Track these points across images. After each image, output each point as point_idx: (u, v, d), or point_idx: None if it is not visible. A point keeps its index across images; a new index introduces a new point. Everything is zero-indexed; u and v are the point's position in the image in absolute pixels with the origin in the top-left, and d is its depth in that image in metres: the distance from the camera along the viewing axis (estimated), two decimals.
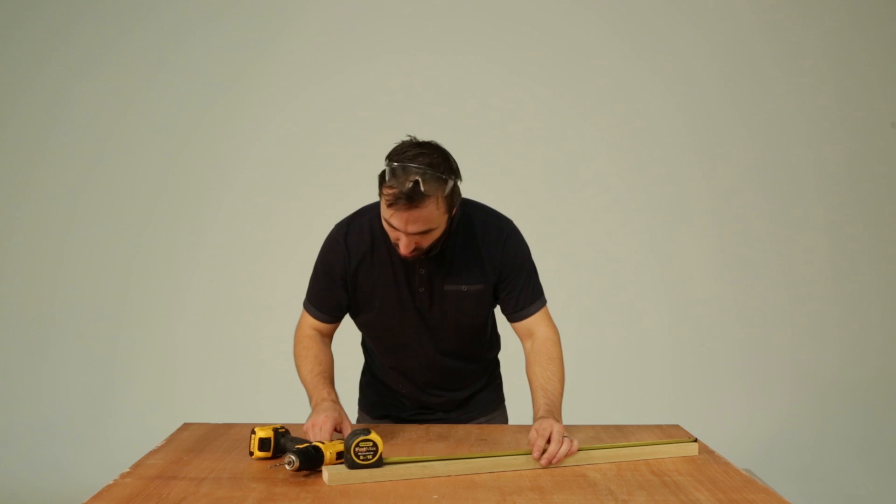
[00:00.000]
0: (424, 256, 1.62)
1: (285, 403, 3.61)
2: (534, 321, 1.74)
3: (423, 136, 1.61)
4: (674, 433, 1.73)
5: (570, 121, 3.93)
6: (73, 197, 3.94)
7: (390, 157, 1.53)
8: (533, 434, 1.52)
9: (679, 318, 3.91)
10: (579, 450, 1.52)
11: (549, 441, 1.49)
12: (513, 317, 1.76)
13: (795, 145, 3.95)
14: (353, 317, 1.81)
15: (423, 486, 1.36)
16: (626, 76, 3.94)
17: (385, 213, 1.54)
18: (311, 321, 1.79)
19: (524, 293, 1.74)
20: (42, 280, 3.93)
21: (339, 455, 1.43)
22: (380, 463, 1.40)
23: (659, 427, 1.80)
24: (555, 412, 1.60)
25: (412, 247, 1.55)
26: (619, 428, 1.78)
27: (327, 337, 1.81)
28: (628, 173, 3.95)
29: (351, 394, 1.98)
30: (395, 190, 1.48)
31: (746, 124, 3.95)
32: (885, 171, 3.95)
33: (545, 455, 1.47)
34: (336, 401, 1.63)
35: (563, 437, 1.49)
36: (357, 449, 1.38)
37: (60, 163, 3.94)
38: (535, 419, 1.61)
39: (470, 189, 1.68)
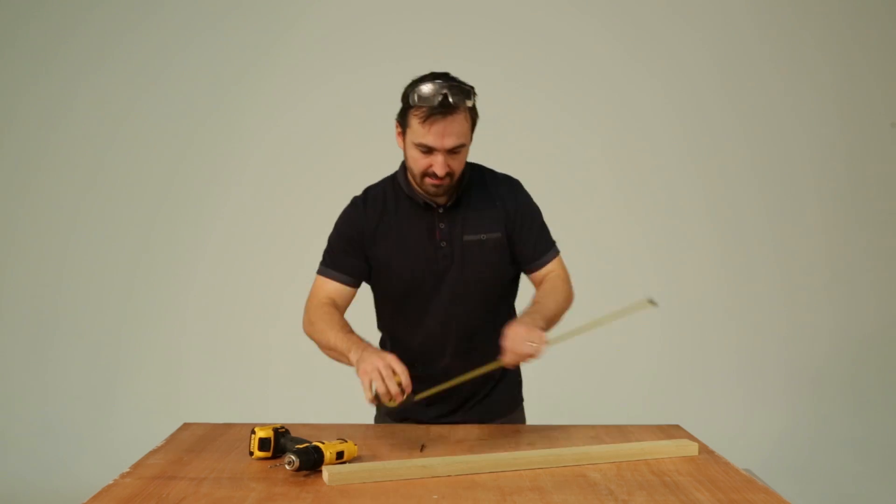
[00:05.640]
0: (445, 204, 1.72)
1: (286, 403, 3.63)
2: (549, 268, 1.82)
3: None
4: (674, 433, 1.73)
5: (567, 123, 3.93)
6: (77, 196, 3.95)
7: (411, 85, 1.63)
8: (504, 338, 1.58)
9: (679, 319, 3.90)
10: (580, 450, 1.52)
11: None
12: (530, 266, 1.82)
13: (794, 145, 3.95)
14: (372, 283, 1.82)
15: (423, 486, 1.36)
16: (623, 78, 3.94)
17: (419, 134, 1.60)
18: (326, 288, 1.77)
19: (540, 242, 1.81)
20: (45, 280, 3.93)
21: (339, 455, 1.44)
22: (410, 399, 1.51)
23: (659, 427, 1.79)
24: (535, 315, 1.65)
25: (447, 168, 1.63)
26: (619, 428, 1.78)
27: (342, 310, 1.77)
28: (627, 175, 3.95)
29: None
30: (426, 105, 1.58)
31: (745, 125, 3.95)
32: (885, 171, 3.95)
33: (507, 356, 1.57)
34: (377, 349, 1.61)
35: (529, 341, 1.54)
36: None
37: (64, 163, 3.95)
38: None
39: None
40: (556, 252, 1.84)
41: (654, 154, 3.95)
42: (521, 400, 1.99)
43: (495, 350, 1.70)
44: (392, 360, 1.52)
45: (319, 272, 1.80)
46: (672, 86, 3.94)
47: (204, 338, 3.88)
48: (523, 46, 3.90)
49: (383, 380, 1.49)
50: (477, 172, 1.80)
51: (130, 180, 3.95)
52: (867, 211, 3.95)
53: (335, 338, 1.66)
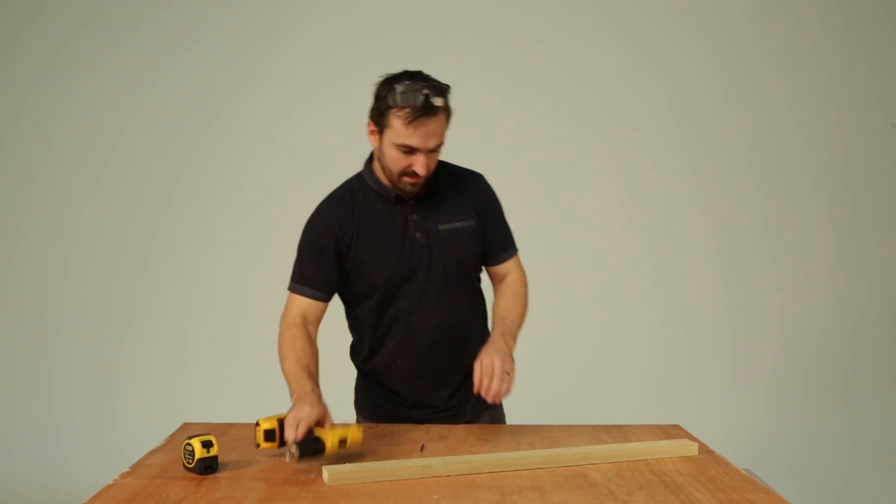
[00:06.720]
0: (416, 197, 1.73)
1: (287, 404, 3.63)
2: (510, 265, 1.88)
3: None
4: (674, 433, 1.73)
5: (565, 125, 3.92)
6: (79, 197, 3.95)
7: (385, 85, 1.63)
8: (477, 370, 1.62)
9: (678, 319, 3.91)
10: (580, 450, 1.53)
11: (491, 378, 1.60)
12: (495, 260, 1.86)
13: (794, 146, 3.95)
14: (348, 286, 1.78)
15: (423, 486, 1.36)
16: (621, 79, 3.93)
17: (402, 135, 1.60)
18: (298, 305, 1.73)
19: (503, 236, 1.87)
20: (47, 280, 3.94)
21: (342, 442, 1.44)
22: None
23: (659, 427, 1.79)
24: (506, 335, 1.73)
25: (427, 167, 1.64)
26: (619, 428, 1.78)
27: (314, 324, 1.74)
28: (625, 177, 3.94)
29: (341, 394, 1.96)
30: (410, 107, 1.57)
31: (744, 125, 3.95)
32: (885, 171, 3.95)
33: (490, 395, 1.60)
34: (320, 396, 1.57)
35: (505, 372, 1.61)
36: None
37: (66, 164, 3.95)
38: (489, 341, 1.72)
39: None
40: (516, 250, 1.89)
41: (652, 155, 3.95)
42: None
43: (470, 337, 1.79)
44: (312, 415, 1.46)
45: (290, 288, 1.76)
46: (670, 86, 3.94)
47: (205, 338, 3.89)
48: (521, 49, 3.90)
49: (295, 430, 1.43)
50: (441, 166, 1.79)
51: (134, 182, 3.95)
52: (866, 211, 3.95)
53: (288, 370, 1.64)
